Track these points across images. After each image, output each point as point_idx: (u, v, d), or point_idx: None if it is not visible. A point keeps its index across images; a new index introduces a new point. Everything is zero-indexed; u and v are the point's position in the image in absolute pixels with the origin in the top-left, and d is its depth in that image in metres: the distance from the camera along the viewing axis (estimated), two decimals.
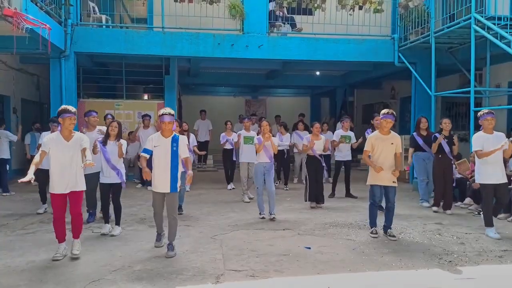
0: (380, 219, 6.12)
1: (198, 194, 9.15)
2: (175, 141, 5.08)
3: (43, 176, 7.16)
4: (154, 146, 5.10)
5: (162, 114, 5.05)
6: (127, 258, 4.95)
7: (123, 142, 6.16)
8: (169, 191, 5.07)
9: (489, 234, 5.97)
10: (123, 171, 6.10)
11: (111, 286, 4.14)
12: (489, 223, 6.07)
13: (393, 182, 5.89)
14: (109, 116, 8.39)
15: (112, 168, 5.98)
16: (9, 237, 5.86)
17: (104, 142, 6.04)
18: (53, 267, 4.63)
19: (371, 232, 5.99)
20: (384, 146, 5.91)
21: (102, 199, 6.17)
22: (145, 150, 5.20)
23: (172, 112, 5.14)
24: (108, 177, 6.01)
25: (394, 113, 5.98)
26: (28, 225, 6.51)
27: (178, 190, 5.20)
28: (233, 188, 9.98)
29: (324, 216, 7.16)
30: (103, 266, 4.66)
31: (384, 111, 5.98)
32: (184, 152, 5.16)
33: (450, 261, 4.93)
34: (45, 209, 7.29)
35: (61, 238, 4.99)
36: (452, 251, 5.30)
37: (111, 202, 6.16)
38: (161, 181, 5.06)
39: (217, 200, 8.67)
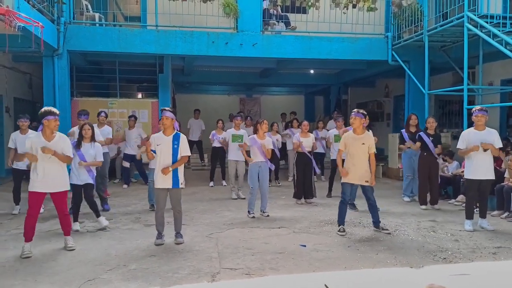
0: (368, 217, 6.20)
1: (193, 192, 9.14)
2: (176, 139, 5.36)
3: (17, 175, 7.14)
4: (157, 145, 5.34)
5: (164, 109, 5.45)
6: (122, 257, 4.94)
7: (98, 145, 6.23)
8: (171, 186, 5.36)
9: (465, 226, 6.21)
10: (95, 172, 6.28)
11: (107, 285, 4.12)
12: (468, 216, 6.26)
13: (366, 181, 5.90)
14: (103, 114, 8.38)
15: (87, 170, 6.07)
16: (3, 236, 5.83)
17: (78, 145, 6.01)
18: (48, 267, 4.61)
19: (339, 230, 5.94)
20: (356, 145, 5.91)
21: (74, 199, 6.11)
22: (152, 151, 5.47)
23: (173, 110, 5.47)
24: (80, 178, 6.04)
25: (362, 111, 6.02)
26: (22, 224, 6.39)
27: (180, 187, 5.46)
28: (213, 186, 9.99)
29: (319, 214, 7.18)
30: (98, 265, 4.64)
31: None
32: (185, 150, 5.41)
33: (445, 258, 4.96)
34: (19, 210, 7.18)
35: (29, 237, 5.02)
36: (447, 248, 5.34)
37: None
38: (164, 177, 5.31)
39: (212, 198, 8.67)
